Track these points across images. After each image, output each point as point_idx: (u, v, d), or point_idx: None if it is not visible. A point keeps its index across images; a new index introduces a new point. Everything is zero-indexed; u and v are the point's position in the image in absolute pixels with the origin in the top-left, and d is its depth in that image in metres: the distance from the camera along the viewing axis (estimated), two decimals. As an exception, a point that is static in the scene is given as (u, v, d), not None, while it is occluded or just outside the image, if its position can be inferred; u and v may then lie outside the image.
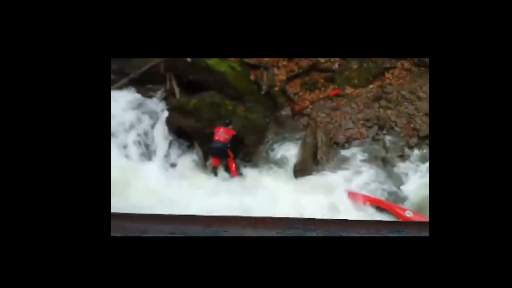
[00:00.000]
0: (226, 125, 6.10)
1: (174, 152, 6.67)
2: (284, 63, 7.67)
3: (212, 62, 7.13)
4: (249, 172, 6.16)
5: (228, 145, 5.95)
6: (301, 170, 5.91)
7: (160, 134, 6.82)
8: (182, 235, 1.29)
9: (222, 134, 5.98)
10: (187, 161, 6.55)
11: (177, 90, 7.25)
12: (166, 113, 6.86)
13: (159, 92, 7.32)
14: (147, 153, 6.63)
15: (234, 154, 6.11)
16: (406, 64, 7.65)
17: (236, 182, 6.00)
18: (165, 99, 7.27)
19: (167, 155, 6.62)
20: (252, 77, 7.52)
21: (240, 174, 6.06)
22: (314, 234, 1.20)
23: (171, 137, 6.75)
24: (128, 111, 6.82)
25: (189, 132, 6.67)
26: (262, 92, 7.30)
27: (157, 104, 7.13)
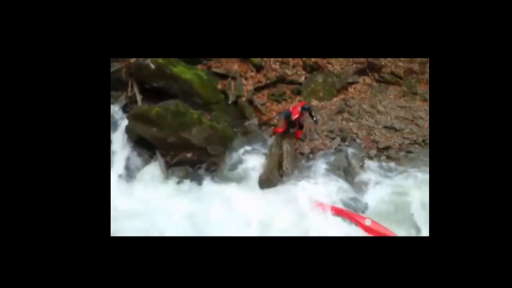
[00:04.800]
0: (307, 109, 6.43)
1: (134, 162, 6.31)
2: (252, 73, 7.70)
3: (177, 69, 6.94)
4: (213, 182, 5.98)
5: (292, 117, 6.25)
6: (266, 180, 5.85)
7: (119, 144, 6.43)
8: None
9: (293, 106, 6.48)
10: (148, 172, 6.22)
11: (139, 97, 6.94)
12: (125, 122, 6.50)
13: (120, 99, 6.96)
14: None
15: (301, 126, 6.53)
16: (368, 79, 8.04)
17: (199, 192, 5.80)
18: (125, 106, 6.91)
19: (126, 166, 6.24)
20: (219, 86, 7.43)
21: (302, 139, 6.52)
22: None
23: (130, 147, 6.39)
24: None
25: (150, 141, 6.36)
26: (229, 102, 7.23)
27: (116, 112, 6.75)
